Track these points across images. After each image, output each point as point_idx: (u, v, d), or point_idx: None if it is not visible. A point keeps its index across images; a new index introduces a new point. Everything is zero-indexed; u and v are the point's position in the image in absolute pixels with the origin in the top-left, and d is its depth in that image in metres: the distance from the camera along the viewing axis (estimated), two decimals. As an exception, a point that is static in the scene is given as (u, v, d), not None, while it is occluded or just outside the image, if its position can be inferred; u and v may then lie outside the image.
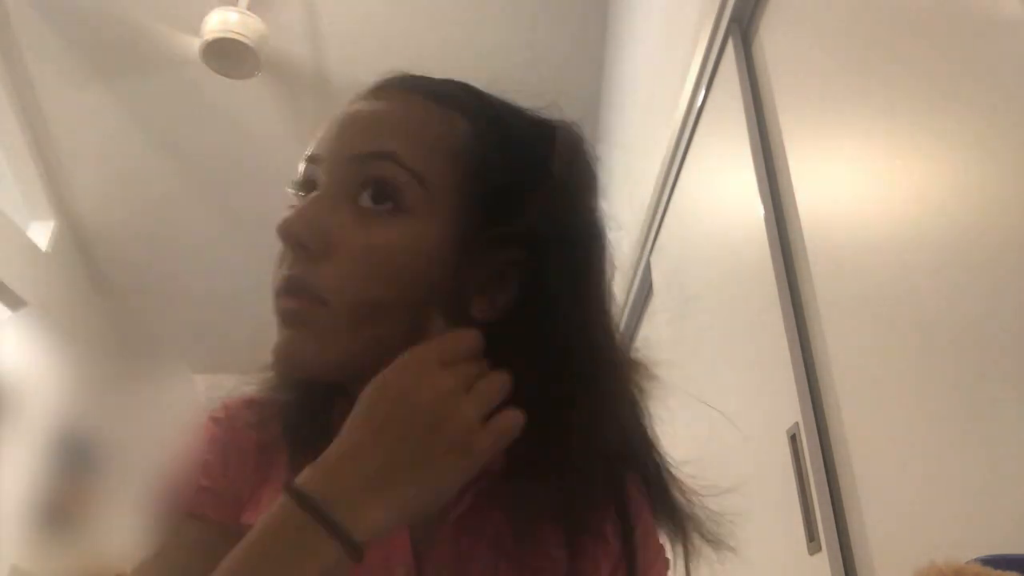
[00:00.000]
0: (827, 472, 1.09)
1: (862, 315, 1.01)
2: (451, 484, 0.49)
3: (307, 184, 0.59)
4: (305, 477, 0.47)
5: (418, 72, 0.63)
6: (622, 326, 2.69)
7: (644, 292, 2.44)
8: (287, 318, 0.55)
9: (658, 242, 2.16)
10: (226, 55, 2.93)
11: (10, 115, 3.25)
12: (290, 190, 0.60)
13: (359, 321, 0.54)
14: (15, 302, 3.41)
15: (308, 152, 0.60)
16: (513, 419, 0.50)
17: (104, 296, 4.10)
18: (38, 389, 3.54)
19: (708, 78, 1.63)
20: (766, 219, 1.30)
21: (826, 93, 1.15)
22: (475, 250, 0.56)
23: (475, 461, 0.48)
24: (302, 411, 0.60)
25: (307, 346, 0.54)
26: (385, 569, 0.54)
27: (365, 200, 0.55)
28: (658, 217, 2.11)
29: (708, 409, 1.67)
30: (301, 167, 0.60)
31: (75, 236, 3.85)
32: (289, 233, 0.55)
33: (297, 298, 0.55)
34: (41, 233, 3.65)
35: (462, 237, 0.56)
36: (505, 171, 0.59)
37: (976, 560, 0.37)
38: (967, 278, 0.79)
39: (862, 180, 1.03)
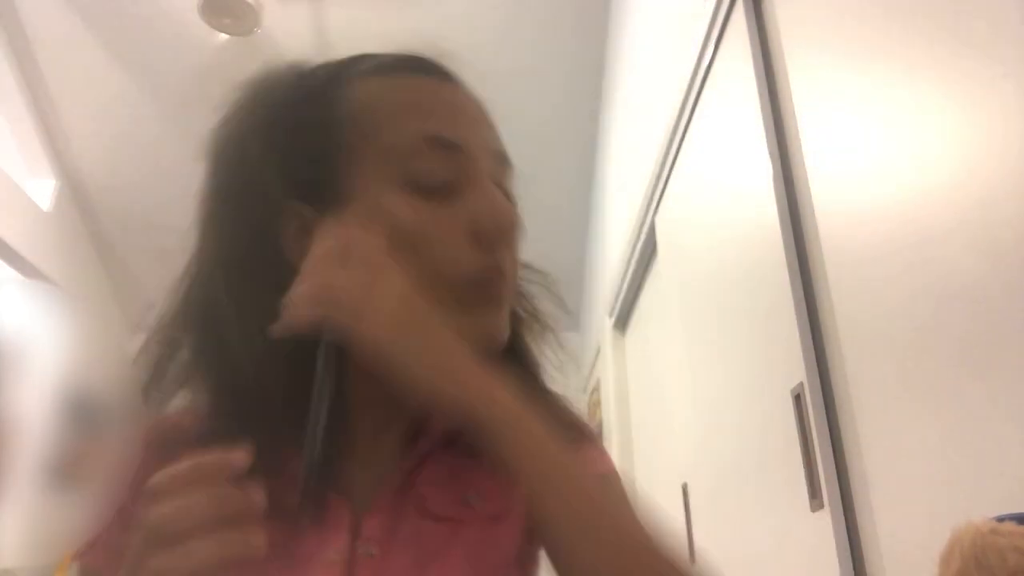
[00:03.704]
0: (831, 431, 1.09)
1: (869, 275, 1.01)
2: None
3: (452, 170, 0.58)
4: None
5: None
6: (625, 286, 2.69)
7: (648, 252, 2.43)
8: (505, 301, 0.60)
9: (663, 201, 2.14)
10: (225, 11, 2.89)
11: (7, 73, 3.20)
12: (423, 173, 0.57)
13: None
14: (17, 262, 3.41)
15: (446, 135, 0.58)
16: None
17: (106, 255, 4.10)
18: (39, 349, 3.56)
19: (717, 33, 1.60)
20: (774, 177, 1.28)
21: (838, 49, 1.13)
22: None
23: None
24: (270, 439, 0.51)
25: (505, 323, 0.60)
26: (320, 553, 0.54)
27: None
28: (664, 176, 2.09)
29: (714, 369, 1.67)
30: (433, 146, 0.58)
31: (76, 195, 3.83)
32: (519, 225, 0.60)
33: (509, 284, 0.60)
34: (42, 192, 3.63)
35: None
36: None
37: (1010, 518, 0.37)
38: (977, 237, 0.78)
39: (873, 138, 1.01)
